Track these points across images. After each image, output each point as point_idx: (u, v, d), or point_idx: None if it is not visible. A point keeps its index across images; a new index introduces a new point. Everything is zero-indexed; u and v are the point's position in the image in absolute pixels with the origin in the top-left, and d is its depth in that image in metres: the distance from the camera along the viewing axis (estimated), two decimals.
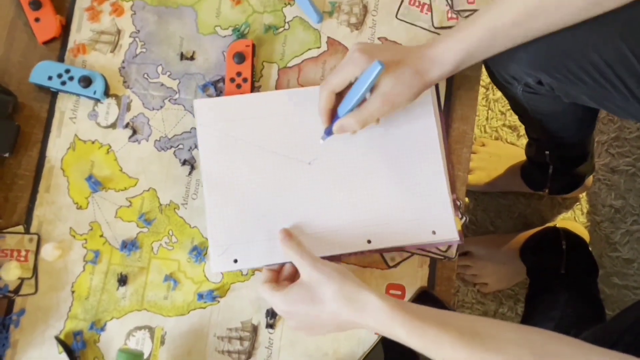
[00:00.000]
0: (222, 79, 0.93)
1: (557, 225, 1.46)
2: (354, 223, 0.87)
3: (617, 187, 1.56)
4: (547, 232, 1.44)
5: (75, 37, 0.95)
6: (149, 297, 0.88)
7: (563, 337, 0.66)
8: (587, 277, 1.37)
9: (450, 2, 0.95)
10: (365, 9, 0.96)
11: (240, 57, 0.91)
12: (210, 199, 0.86)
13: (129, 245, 0.88)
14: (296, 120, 0.90)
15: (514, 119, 1.57)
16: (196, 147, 0.90)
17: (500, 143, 1.57)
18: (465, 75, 0.92)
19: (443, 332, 0.66)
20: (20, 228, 0.89)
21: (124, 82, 0.94)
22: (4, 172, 0.90)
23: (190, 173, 0.90)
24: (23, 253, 0.88)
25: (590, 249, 1.44)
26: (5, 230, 0.89)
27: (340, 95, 0.82)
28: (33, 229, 0.89)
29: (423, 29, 0.95)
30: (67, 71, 0.91)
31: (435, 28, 0.95)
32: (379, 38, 0.95)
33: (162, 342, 0.86)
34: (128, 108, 0.93)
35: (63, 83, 0.90)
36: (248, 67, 0.92)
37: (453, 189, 0.90)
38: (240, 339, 0.87)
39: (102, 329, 0.87)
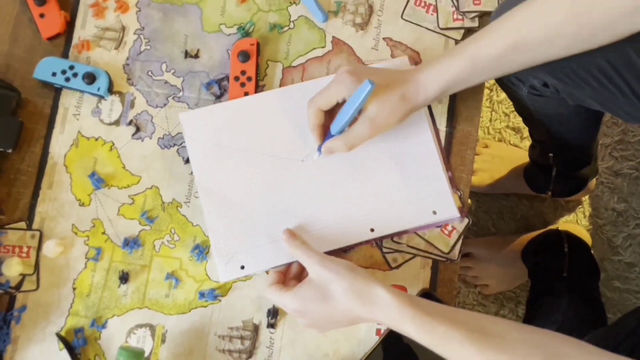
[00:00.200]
0: (227, 78, 0.93)
1: (559, 228, 1.46)
2: (355, 214, 0.87)
3: (620, 191, 1.56)
4: (549, 234, 1.44)
5: (80, 33, 0.95)
6: (150, 295, 0.87)
7: (572, 340, 0.66)
8: (588, 280, 1.37)
9: (456, 3, 0.94)
10: (370, 9, 0.95)
11: (244, 56, 0.91)
12: (209, 211, 0.86)
13: (131, 243, 0.88)
14: (284, 119, 0.90)
15: (517, 120, 1.57)
16: None
17: (504, 145, 1.57)
18: None
19: (452, 329, 0.66)
20: (23, 224, 0.89)
21: (128, 79, 0.93)
22: (6, 168, 0.90)
23: (193, 172, 0.90)
24: (25, 249, 0.88)
25: (592, 252, 1.43)
26: (7, 226, 0.89)
27: (329, 112, 0.83)
28: (35, 225, 0.89)
29: (428, 30, 0.95)
30: (71, 67, 0.91)
31: (441, 29, 0.95)
32: (384, 38, 0.95)
33: (163, 340, 0.86)
34: (132, 105, 0.93)
35: (67, 79, 0.90)
36: (252, 66, 0.92)
37: (448, 167, 0.90)
38: (241, 338, 0.87)
39: (103, 326, 0.87)
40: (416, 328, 0.69)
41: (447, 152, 0.92)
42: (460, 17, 0.94)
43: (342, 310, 0.74)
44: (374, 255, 0.89)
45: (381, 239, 0.89)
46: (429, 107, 0.92)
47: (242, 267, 0.84)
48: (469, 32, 0.95)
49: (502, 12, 0.80)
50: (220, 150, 0.88)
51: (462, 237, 0.89)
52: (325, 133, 0.84)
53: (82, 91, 0.92)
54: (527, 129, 1.50)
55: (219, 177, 0.87)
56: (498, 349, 0.65)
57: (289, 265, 0.85)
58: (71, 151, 0.91)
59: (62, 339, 0.86)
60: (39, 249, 0.88)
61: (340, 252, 0.88)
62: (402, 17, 0.95)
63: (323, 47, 0.95)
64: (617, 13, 0.68)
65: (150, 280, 0.88)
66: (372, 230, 0.87)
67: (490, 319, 0.70)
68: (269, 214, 0.86)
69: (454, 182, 0.90)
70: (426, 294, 0.87)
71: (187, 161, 0.90)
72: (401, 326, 0.70)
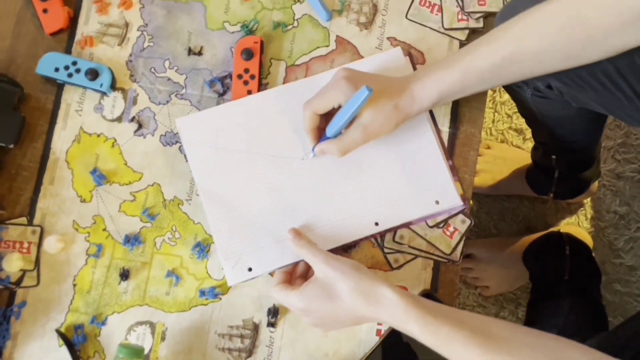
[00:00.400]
0: (230, 75, 0.93)
1: (560, 230, 1.46)
2: (358, 209, 0.87)
3: (622, 194, 1.55)
4: (551, 236, 1.43)
5: (83, 29, 0.94)
6: (150, 293, 0.87)
7: (576, 344, 0.65)
8: (589, 283, 1.36)
9: (460, 4, 0.94)
10: (375, 8, 0.95)
11: (248, 54, 0.91)
12: (212, 214, 0.86)
13: (132, 240, 0.88)
14: (283, 118, 0.89)
15: (520, 122, 1.56)
16: None
17: (506, 146, 1.56)
18: None
19: (456, 330, 0.66)
20: (24, 220, 0.89)
21: (131, 75, 0.93)
22: (8, 163, 0.90)
23: (193, 176, 0.89)
24: (25, 245, 0.88)
25: (593, 254, 1.43)
26: (8, 222, 0.88)
27: (325, 114, 0.83)
28: (36, 220, 0.89)
29: (433, 30, 0.95)
30: (74, 63, 0.90)
31: (445, 29, 0.94)
32: (388, 38, 0.94)
33: (163, 338, 0.86)
34: (134, 102, 0.92)
35: (70, 75, 0.90)
36: (256, 64, 0.91)
37: (448, 156, 0.90)
38: (241, 336, 0.86)
39: (103, 323, 0.86)
40: (420, 328, 0.69)
41: (450, 153, 0.91)
42: (465, 17, 0.94)
43: (347, 309, 0.74)
44: (375, 256, 0.89)
45: (386, 232, 0.88)
46: None
47: (250, 269, 0.84)
48: (473, 32, 0.94)
49: (507, 14, 0.80)
50: (220, 152, 0.88)
51: (464, 238, 0.89)
52: (320, 134, 0.84)
53: (84, 87, 0.92)
54: (529, 130, 1.50)
55: (220, 179, 0.87)
56: (502, 352, 0.65)
57: (295, 264, 0.85)
58: (73, 147, 0.91)
59: (61, 335, 0.85)
60: (39, 244, 0.88)
61: (341, 251, 0.88)
62: (406, 16, 0.95)
63: (327, 46, 0.95)
64: (606, 28, 0.69)
65: (150, 278, 0.88)
66: (376, 224, 0.87)
67: (495, 321, 0.70)
68: (272, 214, 0.86)
69: (455, 171, 0.90)
70: (427, 295, 0.87)
71: None
72: (405, 326, 0.70)
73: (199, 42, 0.94)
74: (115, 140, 0.91)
